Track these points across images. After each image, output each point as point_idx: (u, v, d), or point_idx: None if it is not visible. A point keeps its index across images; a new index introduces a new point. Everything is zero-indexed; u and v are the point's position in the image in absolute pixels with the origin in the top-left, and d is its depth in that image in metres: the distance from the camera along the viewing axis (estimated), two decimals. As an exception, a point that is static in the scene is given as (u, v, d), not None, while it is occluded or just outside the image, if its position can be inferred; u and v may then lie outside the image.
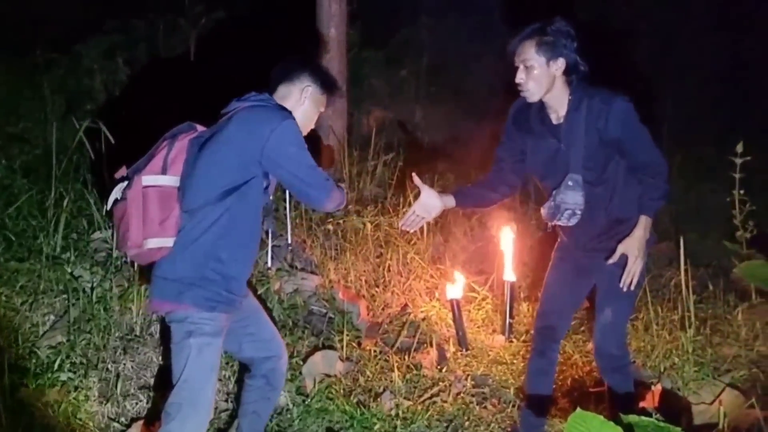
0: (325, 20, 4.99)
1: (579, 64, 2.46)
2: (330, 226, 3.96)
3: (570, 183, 2.47)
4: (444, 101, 6.96)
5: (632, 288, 2.50)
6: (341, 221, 4.01)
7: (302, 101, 2.36)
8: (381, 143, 5.23)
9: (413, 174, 2.60)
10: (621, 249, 2.48)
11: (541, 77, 2.42)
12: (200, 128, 2.32)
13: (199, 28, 6.05)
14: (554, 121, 2.51)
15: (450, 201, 2.61)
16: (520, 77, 2.44)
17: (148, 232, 2.14)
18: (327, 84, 2.42)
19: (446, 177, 5.08)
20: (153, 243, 2.15)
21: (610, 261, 2.49)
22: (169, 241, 2.17)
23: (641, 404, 2.92)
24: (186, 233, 2.18)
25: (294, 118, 2.26)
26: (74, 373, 2.60)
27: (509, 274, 3.68)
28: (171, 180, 2.21)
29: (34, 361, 2.64)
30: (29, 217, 3.23)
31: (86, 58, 5.30)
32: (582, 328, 3.69)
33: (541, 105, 2.52)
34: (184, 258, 2.17)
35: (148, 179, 2.18)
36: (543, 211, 2.59)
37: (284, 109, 2.29)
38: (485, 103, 6.50)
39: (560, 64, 2.42)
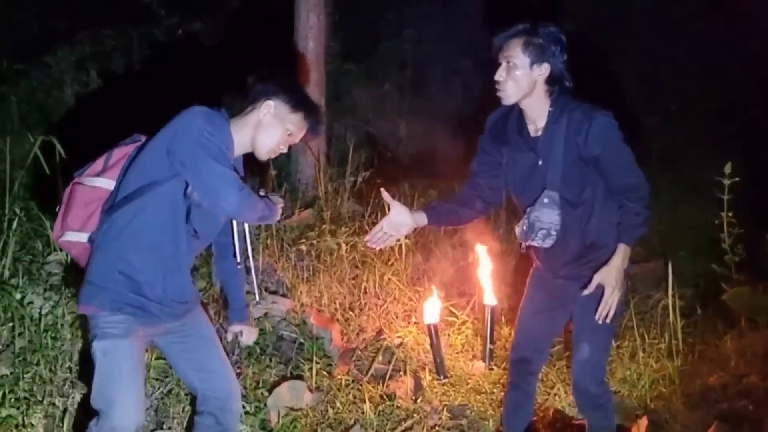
0: (303, 32, 4.85)
1: (564, 77, 2.32)
2: (303, 247, 3.78)
3: (546, 200, 2.33)
4: (427, 115, 6.83)
5: (608, 321, 2.34)
6: (315, 241, 3.84)
7: (262, 118, 2.16)
8: (361, 159, 5.09)
9: (382, 189, 2.44)
10: (597, 279, 2.33)
11: (522, 79, 2.27)
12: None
13: (174, 40, 5.89)
14: (532, 133, 2.37)
15: (422, 218, 2.45)
16: (500, 75, 2.29)
17: (67, 225, 2.17)
18: (295, 100, 2.18)
19: (428, 194, 4.94)
20: (69, 236, 2.18)
21: (585, 292, 2.34)
22: (83, 236, 2.17)
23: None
24: (102, 234, 2.13)
25: (214, 117, 2.07)
26: (17, 409, 2.40)
27: (489, 298, 3.52)
28: (104, 182, 2.19)
29: (-27, 395, 2.45)
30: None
31: (55, 69, 5.12)
32: (566, 353, 3.54)
33: (519, 114, 2.38)
34: (96, 259, 2.12)
35: (82, 178, 2.21)
36: (517, 229, 2.45)
37: (220, 116, 2.12)
38: (470, 117, 6.37)
39: (544, 69, 2.28)
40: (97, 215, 2.17)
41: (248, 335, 2.60)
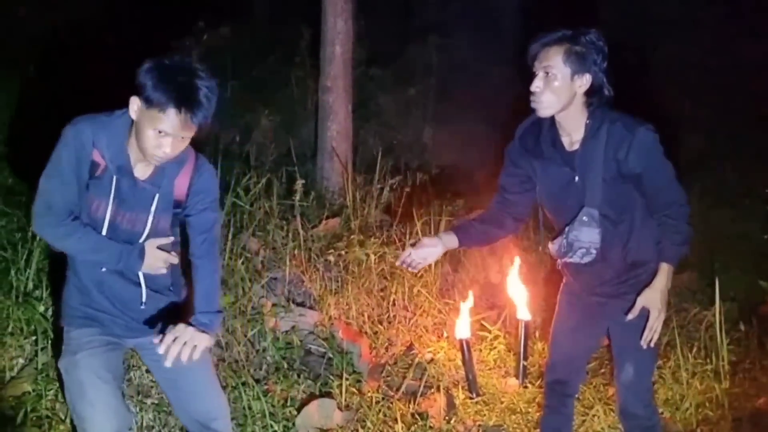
0: (330, 37, 4.77)
1: (604, 87, 2.17)
2: (331, 257, 3.69)
3: (585, 218, 2.19)
4: (454, 122, 6.71)
5: (653, 345, 2.23)
6: (343, 252, 3.74)
7: (134, 118, 1.91)
8: (388, 166, 4.99)
9: (398, 262, 2.40)
10: (641, 302, 2.20)
11: (561, 91, 2.12)
12: None
13: (203, 45, 5.84)
14: (567, 147, 2.21)
15: (452, 241, 2.36)
16: (537, 85, 2.13)
17: None
18: (149, 95, 1.83)
19: (456, 203, 4.82)
20: None
21: (630, 316, 2.20)
22: None
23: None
24: None
25: (86, 125, 1.92)
26: (39, 428, 2.33)
27: (523, 312, 3.39)
28: None
29: (-4, 413, 2.38)
30: (5, 248, 2.97)
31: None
32: (602, 370, 3.40)
33: (552, 125, 2.22)
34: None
35: None
36: (552, 247, 2.31)
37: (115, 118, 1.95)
38: (497, 123, 6.25)
39: (586, 81, 2.13)
40: None
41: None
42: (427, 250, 2.33)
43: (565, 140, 2.22)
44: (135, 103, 1.88)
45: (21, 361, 2.60)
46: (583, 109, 2.17)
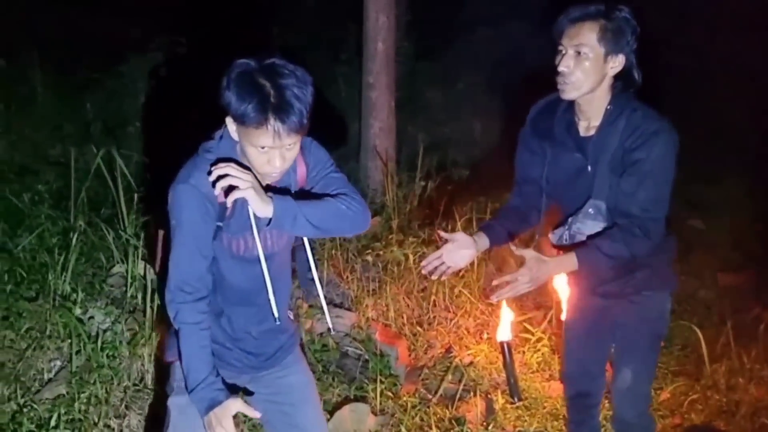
0: (373, 33, 4.71)
1: (634, 70, 1.98)
2: (369, 258, 3.63)
3: (591, 211, 2.02)
4: (503, 116, 6.56)
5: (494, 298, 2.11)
6: (381, 252, 3.68)
7: (234, 136, 1.74)
8: (433, 162, 4.90)
9: (439, 231, 2.24)
10: (525, 253, 1.97)
11: (593, 72, 1.93)
12: None
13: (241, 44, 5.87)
14: (582, 132, 2.05)
15: (483, 242, 2.17)
16: (567, 65, 1.93)
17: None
18: (236, 113, 1.65)
19: (503, 198, 4.69)
20: None
21: (506, 278, 2.00)
22: None
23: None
24: None
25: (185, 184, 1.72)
26: (71, 431, 2.35)
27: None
28: None
29: (32, 414, 2.41)
30: (45, 252, 3.03)
31: (128, 77, 5.17)
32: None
33: (568, 108, 2.05)
34: None
35: None
36: (552, 237, 2.14)
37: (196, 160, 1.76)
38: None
39: (619, 62, 1.95)
40: None
41: None
42: (460, 254, 2.13)
43: (582, 125, 2.05)
44: (230, 123, 1.71)
45: (58, 363, 2.64)
46: (608, 92, 2.00)
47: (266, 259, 1.79)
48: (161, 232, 1.97)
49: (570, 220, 2.06)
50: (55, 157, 4.44)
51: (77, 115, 4.94)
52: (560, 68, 1.96)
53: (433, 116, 6.68)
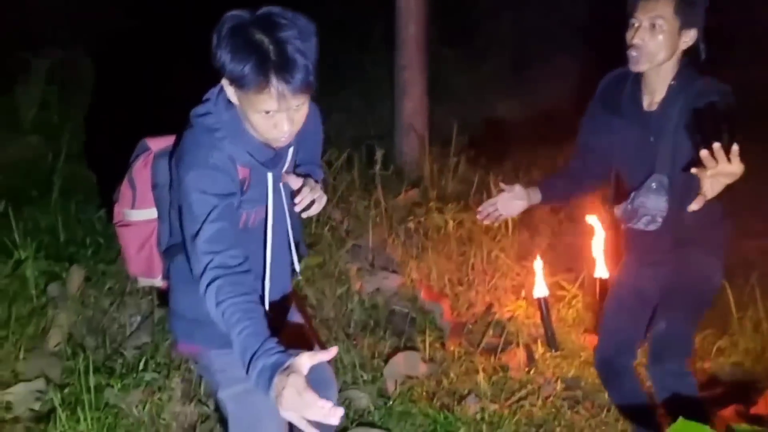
0: (405, 17, 4.91)
1: (701, 44, 2.04)
2: (411, 224, 3.87)
3: (654, 185, 2.08)
4: (528, 97, 6.75)
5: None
6: (422, 219, 3.91)
7: (234, 100, 1.60)
8: (464, 140, 5.11)
9: (499, 182, 2.41)
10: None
11: (666, 45, 1.97)
12: None
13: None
14: (645, 106, 2.11)
15: (536, 196, 2.35)
16: (641, 37, 1.97)
17: (134, 273, 2.00)
18: (232, 75, 1.50)
19: (532, 173, 4.90)
20: (142, 282, 2.02)
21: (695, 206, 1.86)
22: (156, 281, 1.98)
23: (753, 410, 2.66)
24: (182, 272, 1.84)
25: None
26: (158, 373, 2.62)
27: (602, 271, 3.46)
28: (142, 215, 1.88)
29: (120, 361, 2.68)
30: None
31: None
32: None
33: (635, 81, 2.11)
34: (185, 295, 1.87)
35: (120, 217, 1.91)
36: (617, 211, 2.23)
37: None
38: (571, 98, 6.26)
39: (691, 36, 2.00)
40: (155, 256, 1.88)
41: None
42: (514, 204, 2.33)
43: (646, 99, 2.11)
44: (227, 86, 1.56)
45: (138, 318, 2.90)
46: (675, 67, 2.06)
47: (275, 233, 1.74)
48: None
49: (633, 194, 2.12)
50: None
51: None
52: (635, 41, 2.00)
53: (460, 98, 6.88)
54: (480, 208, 2.40)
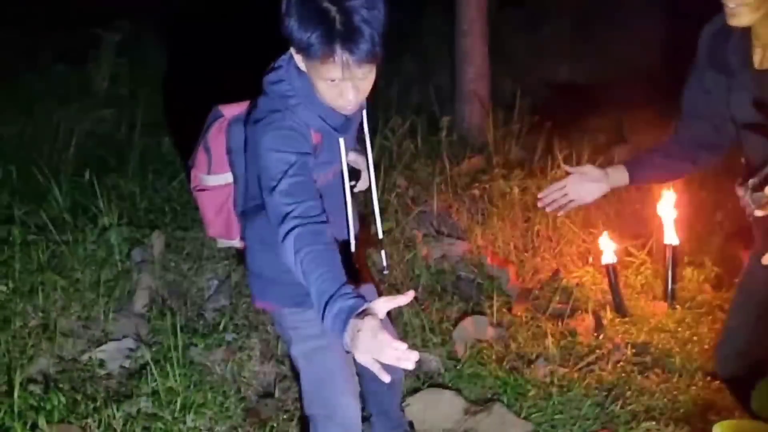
0: (465, -18, 4.86)
1: None
2: (476, 191, 3.89)
3: None
4: (590, 60, 6.60)
5: None
6: (487, 186, 3.92)
7: (303, 67, 1.63)
8: (526, 105, 5.07)
9: (565, 167, 2.06)
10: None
11: None
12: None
13: None
14: (757, 64, 1.73)
15: (621, 177, 1.96)
16: None
17: (213, 234, 2.08)
18: (299, 43, 1.54)
19: (597, 137, 4.83)
20: (221, 243, 2.14)
21: None
22: (234, 242, 2.08)
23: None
24: (259, 232, 1.94)
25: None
26: (237, 334, 2.74)
27: (671, 237, 3.42)
28: (219, 179, 1.94)
29: (201, 322, 2.82)
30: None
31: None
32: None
33: (744, 34, 1.74)
34: (260, 255, 1.94)
35: (197, 183, 1.97)
36: (739, 192, 1.75)
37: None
38: (634, 60, 6.10)
39: None
40: (233, 218, 1.95)
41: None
42: (587, 187, 1.96)
43: (756, 57, 1.74)
44: (295, 54, 1.59)
45: (216, 282, 3.03)
46: None
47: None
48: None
49: (756, 177, 1.68)
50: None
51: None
52: None
53: (520, 62, 6.78)
54: (542, 194, 2.03)
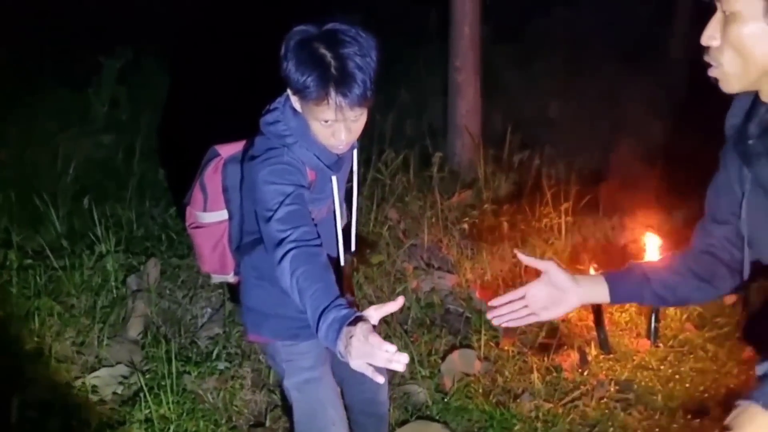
0: (459, 18, 4.99)
1: None
2: (466, 225, 3.97)
3: None
4: (581, 97, 6.75)
5: None
6: (477, 220, 4.01)
7: (298, 108, 1.71)
8: (516, 141, 5.18)
9: (518, 253, 1.58)
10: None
11: (751, 43, 1.12)
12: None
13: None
14: None
15: (596, 292, 1.47)
16: (711, 36, 1.17)
17: (208, 271, 2.11)
18: (295, 85, 1.63)
19: (585, 174, 4.93)
20: (216, 279, 2.16)
21: None
22: (228, 277, 2.12)
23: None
24: (255, 270, 2.00)
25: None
26: (230, 362, 2.79)
27: (655, 277, 3.50)
28: (214, 216, 1.98)
29: (195, 350, 2.87)
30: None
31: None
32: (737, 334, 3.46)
33: (764, 110, 1.24)
34: (255, 290, 2.00)
35: (193, 220, 2.02)
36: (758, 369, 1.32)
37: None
38: (625, 98, 6.26)
39: None
40: (228, 254, 2.00)
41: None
42: (553, 296, 1.48)
43: None
44: (292, 96, 1.69)
45: (209, 310, 3.08)
46: None
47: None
48: None
49: None
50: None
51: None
52: (702, 41, 1.19)
53: (512, 97, 6.92)
54: (495, 302, 1.56)
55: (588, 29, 7.35)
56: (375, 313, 1.40)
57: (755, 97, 1.24)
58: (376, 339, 1.32)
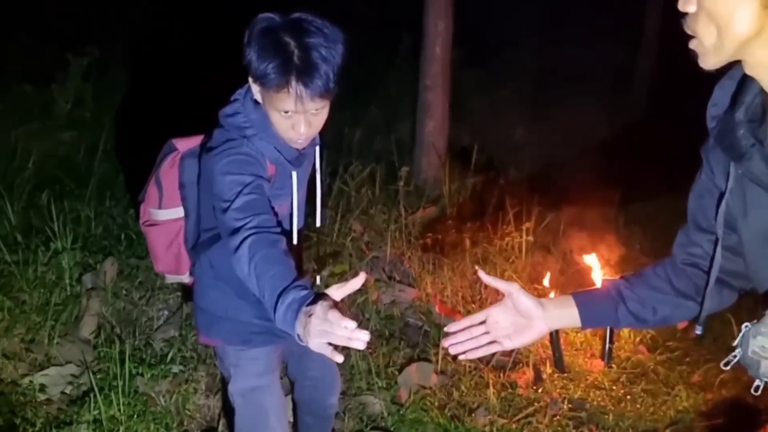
0: (431, 38, 5.07)
1: None
2: (429, 240, 4.00)
3: None
4: (546, 122, 6.89)
5: None
6: (440, 236, 4.04)
7: (258, 98, 1.68)
8: (481, 161, 5.25)
9: (479, 271, 1.41)
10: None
11: (726, 7, 0.96)
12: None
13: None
14: None
15: (566, 316, 1.35)
16: (686, 0, 1.02)
17: (162, 270, 2.07)
18: (256, 73, 1.58)
19: (547, 197, 5.01)
20: (170, 279, 2.12)
21: None
22: (183, 277, 2.07)
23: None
24: (207, 269, 1.95)
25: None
26: (185, 366, 2.74)
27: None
28: (169, 214, 1.94)
29: (149, 352, 2.81)
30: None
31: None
32: (687, 359, 3.54)
33: (756, 95, 1.05)
34: (209, 291, 1.95)
35: (147, 217, 1.97)
36: (739, 350, 1.14)
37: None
38: (589, 125, 6.42)
39: None
40: (183, 254, 1.95)
41: None
42: (516, 324, 1.36)
43: None
44: (253, 85, 1.64)
45: (166, 312, 3.03)
46: None
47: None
48: None
49: (746, 328, 1.11)
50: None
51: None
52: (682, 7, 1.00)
53: (478, 120, 7.03)
54: (452, 327, 1.42)
55: (554, 59, 7.55)
56: (337, 292, 1.34)
57: (740, 80, 1.07)
58: (335, 315, 1.25)
